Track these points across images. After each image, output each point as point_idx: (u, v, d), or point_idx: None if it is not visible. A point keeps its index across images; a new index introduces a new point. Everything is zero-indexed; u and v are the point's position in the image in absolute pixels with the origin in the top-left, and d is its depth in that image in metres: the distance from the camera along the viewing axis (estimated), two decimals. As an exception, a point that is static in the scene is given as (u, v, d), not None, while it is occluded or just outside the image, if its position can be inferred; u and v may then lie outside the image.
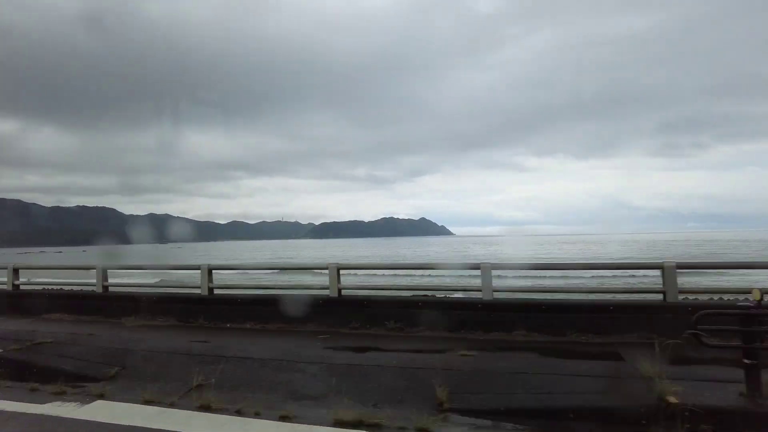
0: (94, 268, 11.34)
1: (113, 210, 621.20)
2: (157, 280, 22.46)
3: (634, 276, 24.52)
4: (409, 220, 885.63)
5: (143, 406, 5.11)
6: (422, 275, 26.43)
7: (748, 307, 4.58)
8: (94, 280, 11.22)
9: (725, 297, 8.31)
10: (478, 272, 8.41)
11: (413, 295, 9.53)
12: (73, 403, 5.22)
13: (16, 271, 12.06)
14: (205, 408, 4.97)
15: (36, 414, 4.94)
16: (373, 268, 16.89)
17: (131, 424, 4.60)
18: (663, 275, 7.74)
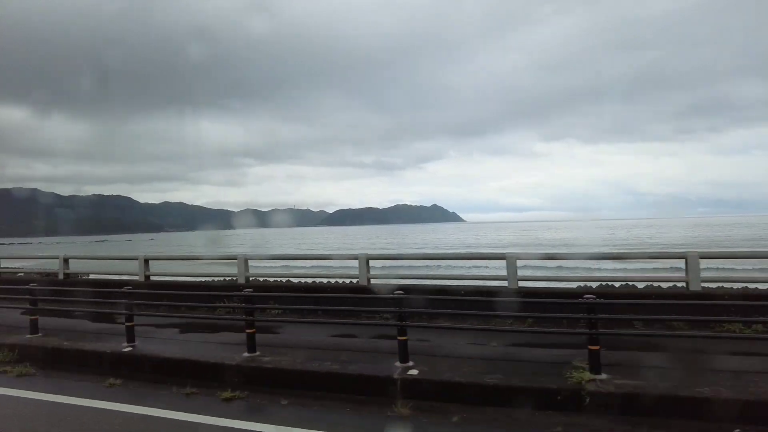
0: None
1: (129, 198, 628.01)
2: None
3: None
4: (422, 207, 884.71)
5: None
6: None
7: None
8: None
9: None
10: None
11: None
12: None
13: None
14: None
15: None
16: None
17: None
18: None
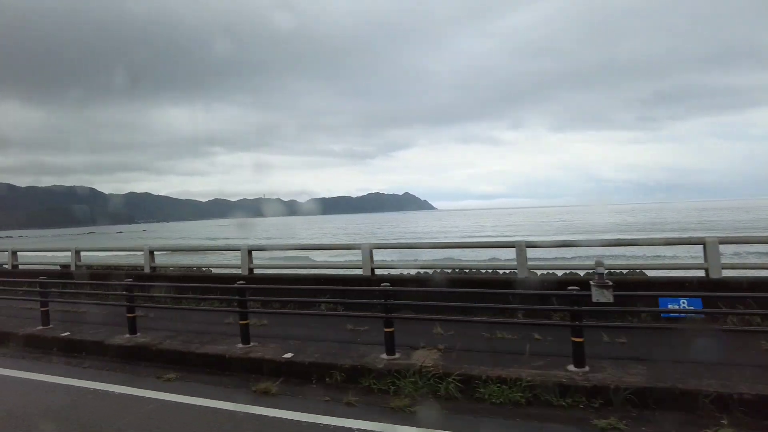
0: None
1: (92, 189, 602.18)
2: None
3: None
4: (395, 195, 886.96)
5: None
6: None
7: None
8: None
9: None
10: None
11: None
12: None
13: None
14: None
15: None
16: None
17: None
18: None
